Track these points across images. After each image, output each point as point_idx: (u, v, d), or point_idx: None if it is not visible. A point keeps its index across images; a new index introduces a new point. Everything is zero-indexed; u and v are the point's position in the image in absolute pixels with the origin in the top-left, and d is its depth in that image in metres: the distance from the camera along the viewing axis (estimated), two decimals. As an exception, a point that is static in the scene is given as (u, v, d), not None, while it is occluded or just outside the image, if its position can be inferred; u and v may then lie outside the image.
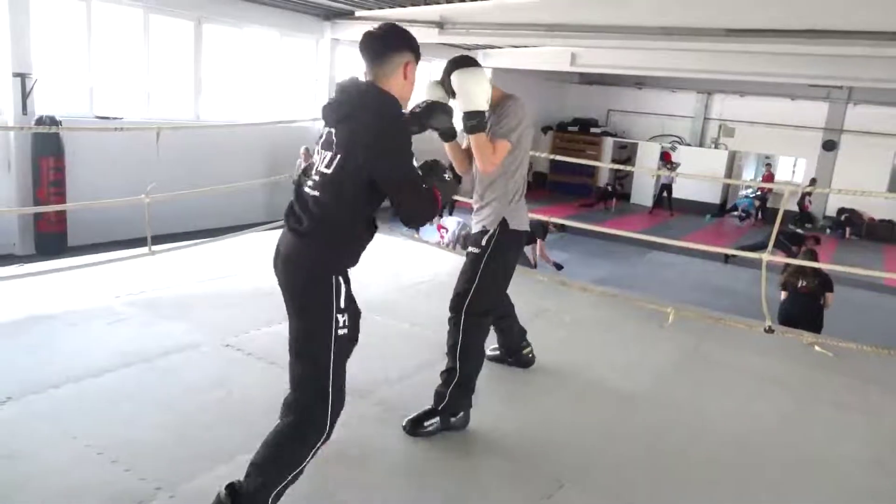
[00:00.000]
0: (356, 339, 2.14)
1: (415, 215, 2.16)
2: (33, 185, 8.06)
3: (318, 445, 2.05)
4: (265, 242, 5.76)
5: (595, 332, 4.38)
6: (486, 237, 2.92)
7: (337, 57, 12.01)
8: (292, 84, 11.61)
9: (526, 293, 4.90)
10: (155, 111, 9.50)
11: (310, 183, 2.09)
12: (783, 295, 5.87)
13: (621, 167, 14.25)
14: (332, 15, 11.15)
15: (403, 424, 2.84)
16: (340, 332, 2.04)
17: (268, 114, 10.92)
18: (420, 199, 2.11)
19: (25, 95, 7.85)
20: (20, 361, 3.15)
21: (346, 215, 2.06)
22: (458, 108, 2.72)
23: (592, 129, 18.81)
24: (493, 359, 3.54)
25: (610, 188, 17.22)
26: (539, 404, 3.23)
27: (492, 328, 3.17)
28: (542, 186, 18.18)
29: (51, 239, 8.18)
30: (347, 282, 2.09)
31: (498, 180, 2.92)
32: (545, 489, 2.51)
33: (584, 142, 18.67)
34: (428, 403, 2.88)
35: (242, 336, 3.55)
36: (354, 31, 11.25)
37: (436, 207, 2.16)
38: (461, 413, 2.89)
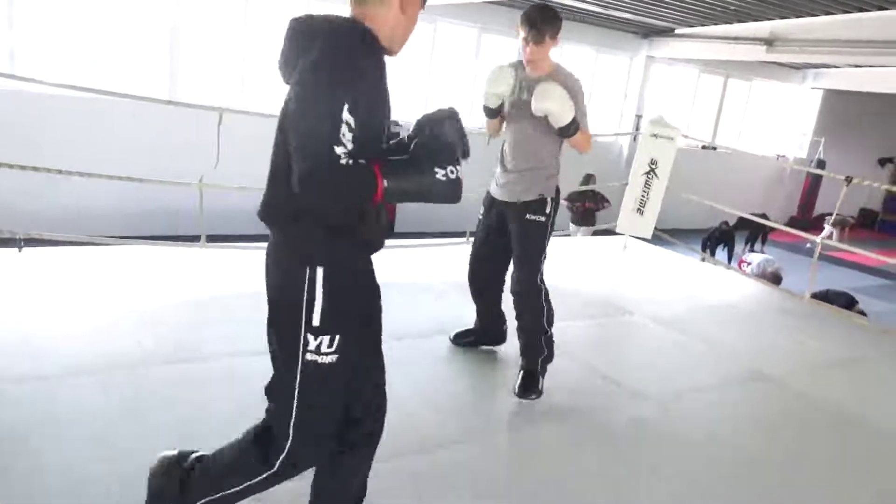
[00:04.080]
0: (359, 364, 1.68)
1: (305, 183, 1.32)
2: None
3: (257, 481, 1.62)
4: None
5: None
6: (548, 206, 2.93)
7: (651, 74, 11.98)
8: (601, 100, 11.88)
9: (836, 338, 4.42)
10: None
11: None
12: None
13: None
14: (650, 33, 11.16)
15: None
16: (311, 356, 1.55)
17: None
18: (318, 162, 1.31)
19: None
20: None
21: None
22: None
23: (949, 164, 15.83)
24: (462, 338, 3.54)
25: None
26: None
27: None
28: (870, 227, 15.83)
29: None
30: (340, 276, 1.51)
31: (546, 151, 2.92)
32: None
33: (936, 178, 15.79)
34: (719, 420, 2.87)
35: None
36: (671, 49, 11.12)
37: (355, 195, 1.39)
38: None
